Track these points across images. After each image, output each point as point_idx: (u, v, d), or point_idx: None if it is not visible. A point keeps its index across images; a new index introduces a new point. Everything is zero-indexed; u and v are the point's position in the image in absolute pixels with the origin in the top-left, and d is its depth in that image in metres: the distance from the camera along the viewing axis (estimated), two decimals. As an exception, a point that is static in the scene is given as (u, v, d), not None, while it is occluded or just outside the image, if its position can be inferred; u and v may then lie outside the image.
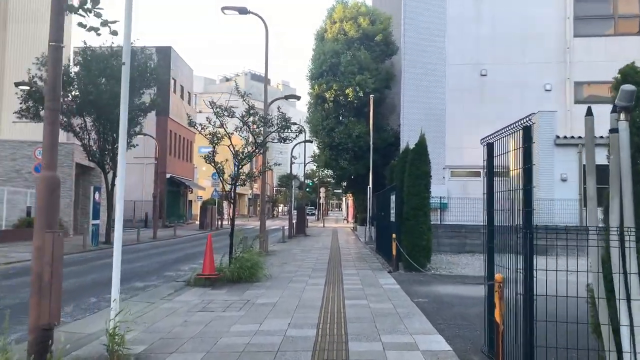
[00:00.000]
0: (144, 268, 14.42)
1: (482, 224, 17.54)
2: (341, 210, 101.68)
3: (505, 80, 26.43)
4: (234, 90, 12.04)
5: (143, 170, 41.64)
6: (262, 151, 12.57)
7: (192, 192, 57.31)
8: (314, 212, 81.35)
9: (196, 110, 55.67)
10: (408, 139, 15.90)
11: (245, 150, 12.10)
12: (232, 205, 12.74)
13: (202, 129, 11.94)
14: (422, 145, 13.24)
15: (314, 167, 60.67)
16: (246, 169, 12.86)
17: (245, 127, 12.10)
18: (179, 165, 44.56)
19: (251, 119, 12.15)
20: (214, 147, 11.86)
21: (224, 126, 11.95)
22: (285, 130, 12.35)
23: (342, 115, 29.14)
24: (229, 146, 12.09)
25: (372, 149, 26.56)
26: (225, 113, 11.59)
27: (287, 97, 17.88)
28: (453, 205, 23.97)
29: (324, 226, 47.13)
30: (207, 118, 12.20)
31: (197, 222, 42.93)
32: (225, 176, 12.19)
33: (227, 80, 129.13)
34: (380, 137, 28.30)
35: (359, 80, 27.26)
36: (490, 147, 5.62)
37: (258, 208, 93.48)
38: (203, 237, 31.01)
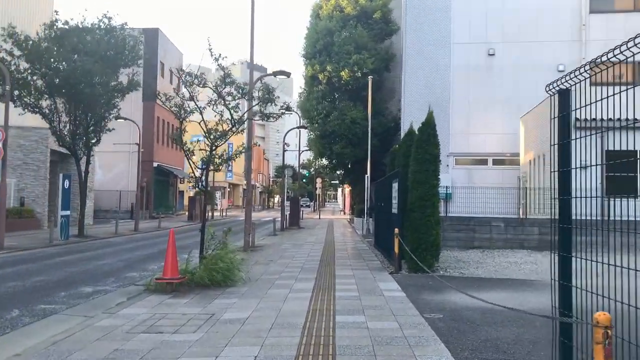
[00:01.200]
0: (105, 267, 12.45)
1: (493, 215, 15.40)
2: (338, 201, 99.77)
3: (514, 61, 24.42)
4: (208, 51, 10.01)
5: (129, 158, 39.57)
6: (240, 129, 10.54)
7: (183, 182, 55.37)
8: (308, 203, 79.00)
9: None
10: (411, 122, 13.92)
11: (220, 128, 10.11)
12: (204, 195, 10.72)
13: (166, 99, 9.95)
14: (429, 124, 11.25)
15: (310, 157, 58.70)
16: (226, 151, 10.85)
17: (219, 100, 10.10)
18: (167, 153, 42.51)
19: (227, 89, 10.14)
20: (181, 122, 9.89)
21: (195, 98, 9.98)
22: (269, 105, 10.36)
23: (337, 99, 27.10)
24: (200, 123, 10.12)
25: (371, 134, 24.56)
26: (196, 81, 9.58)
27: (275, 74, 15.85)
28: (458, 196, 22.02)
29: (319, 218, 45.21)
30: (174, 89, 10.21)
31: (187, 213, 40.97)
32: (196, 159, 10.22)
33: (223, 69, 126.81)
34: (379, 122, 26.31)
35: (355, 59, 25.21)
36: (564, 96, 3.63)
37: (255, 199, 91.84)
38: (189, 229, 29.06)
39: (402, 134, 24.00)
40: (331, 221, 38.35)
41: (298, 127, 27.89)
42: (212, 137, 10.06)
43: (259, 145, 11.05)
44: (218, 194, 65.41)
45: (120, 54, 20.52)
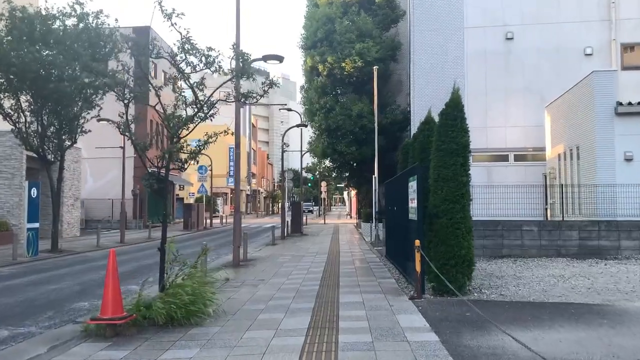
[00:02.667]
0: (53, 294, 10.07)
1: (520, 218, 12.93)
2: (345, 205, 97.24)
3: (536, 44, 21.92)
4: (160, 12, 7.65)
5: (121, 166, 37.25)
6: (208, 115, 8.17)
7: (183, 189, 53.14)
8: (311, 208, 75.85)
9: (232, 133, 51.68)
10: (429, 109, 11.51)
11: (180, 114, 7.78)
12: (164, 201, 8.38)
13: (112, 74, 7.68)
14: (456, 106, 8.84)
15: (315, 160, 56.40)
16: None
17: (180, 76, 7.76)
18: (162, 158, 40.21)
19: (189, 59, 7.80)
20: (126, 105, 7.59)
21: (150, 76, 7.68)
22: (247, 79, 8.00)
23: (340, 92, 24.70)
24: (154, 106, 7.79)
25: (377, 130, 22.13)
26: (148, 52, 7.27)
27: (266, 58, 13.48)
28: (476, 196, 19.56)
29: (324, 223, 42.79)
30: (120, 62, 7.93)
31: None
32: (153, 155, 7.90)
33: (226, 73, 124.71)
34: (386, 117, 23.90)
35: (359, 48, 22.82)
36: None
37: (258, 204, 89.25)
38: (184, 239, 26.69)
39: (413, 129, 21.59)
40: (337, 227, 35.91)
41: (299, 125, 25.50)
42: (171, 124, 7.71)
43: (227, 132, 8.43)
44: (219, 200, 63.11)
45: (94, 45, 18.16)
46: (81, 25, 18.07)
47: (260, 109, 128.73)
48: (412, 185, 9.30)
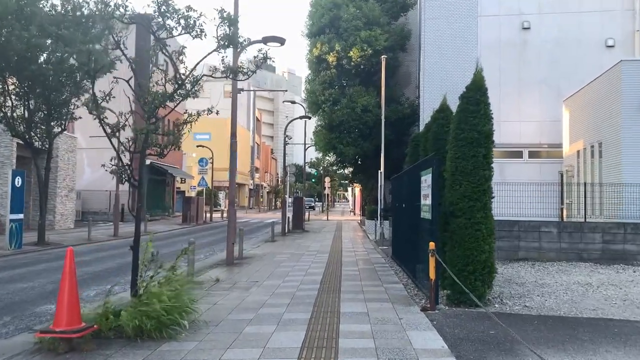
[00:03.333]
0: (19, 294, 9.04)
1: (544, 218, 11.77)
2: (348, 201, 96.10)
3: (553, 35, 20.72)
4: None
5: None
6: (191, 93, 7.12)
7: (184, 182, 52.18)
8: (312, 204, 74.07)
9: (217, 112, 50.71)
10: (444, 96, 10.42)
11: (158, 90, 6.74)
12: (137, 192, 7.32)
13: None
14: (478, 88, 7.74)
15: (319, 155, 55.35)
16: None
17: (157, 44, 6.70)
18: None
19: (166, 24, 6.74)
20: (92, 77, 6.57)
21: (121, 44, 6.63)
22: (237, 50, 6.92)
23: (346, 83, 23.57)
24: (128, 81, 6.75)
25: (384, 123, 21.00)
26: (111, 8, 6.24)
27: (266, 40, 12.35)
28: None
29: (327, 219, 41.72)
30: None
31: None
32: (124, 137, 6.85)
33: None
34: (394, 110, 22.75)
35: (366, 36, 21.67)
36: None
37: (261, 199, 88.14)
38: (180, 234, 25.74)
39: (422, 122, 20.49)
40: (340, 223, 34.84)
41: (302, 117, 24.39)
42: (146, 101, 6.65)
43: (211, 112, 7.34)
44: (221, 195, 62.06)
45: (80, 25, 17.02)
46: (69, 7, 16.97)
47: (265, 103, 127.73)
48: (426, 179, 8.19)
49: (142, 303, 5.85)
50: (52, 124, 17.46)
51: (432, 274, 7.14)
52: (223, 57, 7.11)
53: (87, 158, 35.97)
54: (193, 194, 45.30)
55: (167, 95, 6.81)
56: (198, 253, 15.77)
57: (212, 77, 7.32)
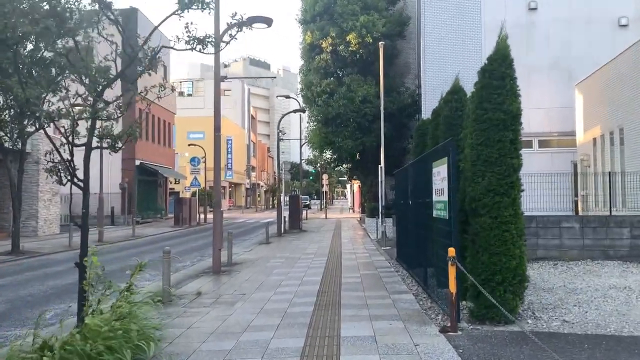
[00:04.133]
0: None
1: (563, 213, 10.40)
2: (347, 198, 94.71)
3: (562, 15, 19.34)
4: None
5: (108, 157, 34.87)
6: (147, 68, 5.81)
7: (178, 183, 50.80)
8: (307, 202, 71.64)
9: (173, 88, 49.08)
10: (456, 75, 9.09)
11: (107, 65, 5.44)
12: (84, 194, 6.02)
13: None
14: (503, 60, 6.44)
15: (315, 152, 54.00)
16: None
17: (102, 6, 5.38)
18: (153, 150, 37.82)
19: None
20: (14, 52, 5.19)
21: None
22: (195, 8, 5.60)
23: (343, 72, 22.19)
24: (67, 55, 5.45)
25: (384, 114, 19.65)
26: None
27: (250, 21, 10.96)
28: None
29: (326, 217, 40.40)
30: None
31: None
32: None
33: (225, 66, 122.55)
34: (394, 101, 21.39)
35: (363, 21, 20.33)
36: None
37: (258, 199, 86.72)
38: (170, 237, 24.41)
39: (425, 111, 19.15)
40: (339, 222, 33.52)
41: (296, 111, 23.02)
42: (88, 76, 5.33)
43: (165, 86, 6.01)
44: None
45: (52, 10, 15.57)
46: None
47: (261, 100, 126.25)
48: (440, 171, 6.86)
49: (87, 333, 4.51)
50: (24, 122, 16.05)
51: (452, 287, 5.81)
52: (188, 24, 5.76)
53: (76, 160, 34.56)
54: (188, 194, 43.92)
55: (116, 75, 5.44)
56: (185, 260, 14.46)
57: (174, 48, 5.97)
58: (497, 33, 17.08)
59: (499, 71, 6.27)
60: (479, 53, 19.21)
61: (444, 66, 19.23)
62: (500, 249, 6.07)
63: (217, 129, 11.40)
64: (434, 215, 7.16)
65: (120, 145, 6.08)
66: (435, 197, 7.09)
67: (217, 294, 8.60)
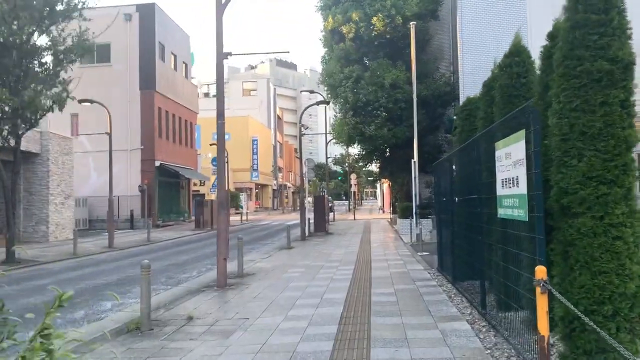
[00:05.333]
0: None
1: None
2: (376, 198, 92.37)
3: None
4: None
5: (128, 157, 33.77)
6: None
7: (203, 184, 49.56)
8: (330, 204, 68.79)
9: (197, 87, 48.04)
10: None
11: None
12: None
13: None
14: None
15: (342, 149, 52.09)
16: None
17: None
18: (174, 151, 36.47)
19: None
20: None
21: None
22: None
23: (370, 57, 20.18)
24: None
25: (416, 102, 17.58)
26: None
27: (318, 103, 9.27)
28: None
29: (354, 219, 38.38)
30: None
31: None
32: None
33: (252, 68, 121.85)
34: (428, 87, 19.26)
35: (392, 1, 18.26)
36: None
37: (286, 199, 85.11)
38: (187, 241, 22.80)
39: (463, 95, 17.02)
40: (368, 223, 31.47)
41: (320, 102, 21.10)
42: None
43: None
44: (243, 196, 59.23)
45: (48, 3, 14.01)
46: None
47: (288, 101, 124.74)
48: (510, 152, 4.83)
49: None
50: (19, 120, 14.55)
51: (542, 327, 3.80)
52: None
53: (93, 162, 33.46)
54: (213, 196, 42.55)
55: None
56: (191, 269, 12.73)
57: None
58: (546, 11, 14.23)
59: (596, 3, 4.23)
60: (524, 25, 16.97)
61: (483, 48, 17.07)
62: (610, 266, 4.03)
63: (219, 115, 9.60)
64: (499, 215, 5.15)
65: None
66: (501, 191, 5.07)
67: (213, 319, 6.76)
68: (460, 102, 16.86)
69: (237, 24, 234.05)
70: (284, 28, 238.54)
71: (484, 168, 5.83)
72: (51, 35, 14.52)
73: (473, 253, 6.89)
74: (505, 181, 4.97)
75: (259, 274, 10.76)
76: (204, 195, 46.80)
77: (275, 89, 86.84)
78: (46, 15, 14.08)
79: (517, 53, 6.48)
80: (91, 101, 19.82)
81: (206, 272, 11.96)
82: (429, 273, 10.00)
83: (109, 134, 20.17)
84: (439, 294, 7.85)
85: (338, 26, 19.28)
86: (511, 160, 4.76)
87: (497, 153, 5.16)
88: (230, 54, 9.41)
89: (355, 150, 25.73)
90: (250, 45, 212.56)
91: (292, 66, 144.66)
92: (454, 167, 8.46)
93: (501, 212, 5.11)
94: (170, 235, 25.65)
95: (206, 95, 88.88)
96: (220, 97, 9.65)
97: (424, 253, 13.36)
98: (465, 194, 7.37)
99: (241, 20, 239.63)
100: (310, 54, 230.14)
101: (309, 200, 28.13)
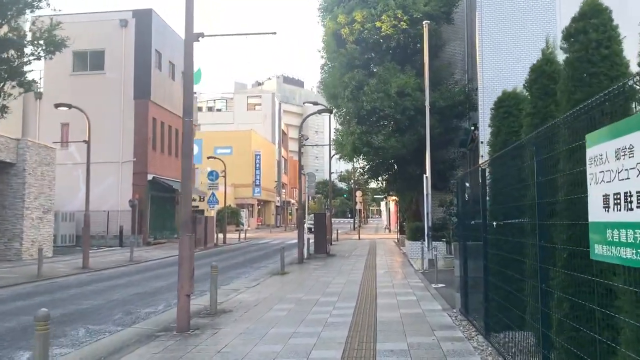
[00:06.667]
0: None
1: None
2: (381, 216, 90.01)
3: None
4: None
5: (119, 171, 31.86)
6: None
7: (202, 200, 47.61)
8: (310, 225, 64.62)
9: (196, 98, 46.05)
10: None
11: None
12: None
13: None
14: None
15: (347, 165, 50.16)
16: None
17: None
18: (169, 164, 34.53)
19: None
20: None
21: None
22: None
23: (375, 62, 18.21)
24: None
25: (429, 112, 15.55)
26: None
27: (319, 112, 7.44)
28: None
29: (359, 238, 36.20)
30: None
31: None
32: None
33: (259, 84, 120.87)
34: (442, 96, 17.23)
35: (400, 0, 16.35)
36: None
37: (289, 217, 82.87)
38: (172, 262, 20.62)
39: (483, 108, 15.00)
40: (373, 243, 29.28)
41: (321, 111, 19.12)
42: None
43: None
44: (244, 213, 57.11)
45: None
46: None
47: (294, 118, 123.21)
48: (621, 149, 2.73)
49: None
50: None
51: None
52: None
53: (83, 174, 31.44)
54: (212, 212, 40.55)
55: None
56: (159, 301, 10.59)
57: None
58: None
59: None
60: (553, 24, 14.99)
61: (505, 51, 15.12)
62: None
63: (186, 112, 7.56)
64: (596, 252, 3.04)
65: None
66: (603, 215, 2.96)
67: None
68: (480, 112, 14.83)
69: (243, 37, 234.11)
70: (291, 44, 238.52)
71: (555, 179, 3.74)
72: (13, 26, 12.69)
73: (518, 299, 4.81)
74: (609, 198, 2.88)
75: (237, 312, 8.65)
76: (203, 211, 44.81)
77: (280, 104, 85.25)
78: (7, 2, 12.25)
79: (596, 13, 4.45)
80: (69, 106, 17.91)
81: (175, 306, 9.82)
82: (450, 316, 7.84)
83: (87, 142, 18.18)
84: (470, 355, 5.69)
85: (340, 28, 17.32)
86: (620, 164, 2.68)
87: (593, 151, 3.08)
88: (202, 34, 7.44)
89: (360, 164, 23.63)
90: (257, 59, 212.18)
91: (299, 83, 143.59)
92: (488, 179, 6.37)
93: (599, 250, 3.00)
94: (157, 255, 23.55)
95: (210, 109, 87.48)
96: (188, 89, 7.65)
97: (440, 285, 11.19)
98: (509, 216, 5.27)
99: (249, 37, 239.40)
100: (317, 72, 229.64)
101: (308, 222, 26.01)
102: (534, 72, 5.72)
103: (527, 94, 5.89)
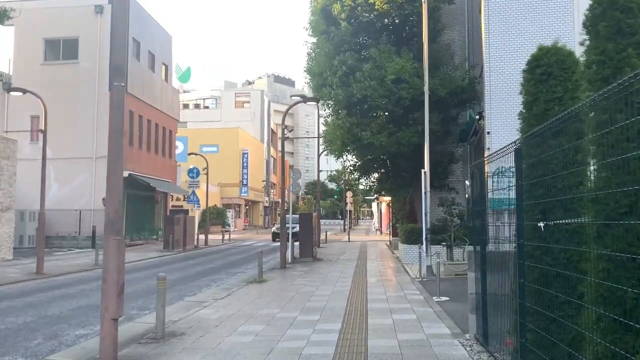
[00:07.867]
0: None
1: None
2: (372, 218, 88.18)
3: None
4: None
5: (93, 167, 29.75)
6: None
7: (186, 199, 45.61)
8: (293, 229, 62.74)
9: (178, 96, 44.18)
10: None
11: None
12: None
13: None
14: None
15: (339, 167, 48.31)
16: None
17: None
18: (148, 160, 32.49)
19: None
20: None
21: None
22: None
23: (368, 43, 16.39)
24: None
25: (428, 100, 13.76)
26: None
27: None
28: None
29: (349, 240, 34.42)
30: None
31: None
32: None
33: (250, 83, 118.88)
34: (443, 83, 15.43)
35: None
36: None
37: (278, 217, 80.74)
38: (143, 267, 18.76)
39: (489, 95, 13.27)
40: (364, 246, 27.48)
41: (306, 100, 17.25)
42: None
43: None
44: (230, 213, 55.03)
45: None
46: None
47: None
48: None
49: None
50: None
51: None
52: None
53: (54, 170, 29.35)
54: (197, 212, 38.55)
55: None
56: (98, 321, 8.66)
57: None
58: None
59: None
60: (570, 10, 13.27)
61: (512, 38, 13.36)
62: None
63: (115, 74, 5.74)
64: None
65: None
66: None
67: None
68: (486, 97, 13.06)
69: (235, 36, 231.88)
70: (281, 43, 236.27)
71: None
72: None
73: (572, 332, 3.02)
74: None
75: (190, 335, 6.79)
76: (187, 211, 42.76)
77: (269, 102, 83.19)
78: None
79: None
80: (24, 90, 15.95)
81: (121, 325, 7.93)
82: (463, 345, 6.00)
83: (44, 132, 16.24)
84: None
85: (331, 3, 15.49)
86: None
87: None
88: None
89: (350, 161, 21.81)
90: (248, 58, 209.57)
91: (290, 82, 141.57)
92: (523, 165, 4.57)
93: None
94: (129, 258, 21.40)
95: (197, 106, 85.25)
96: (117, 44, 5.80)
97: (443, 298, 9.37)
98: (554, 214, 3.47)
99: (239, 33, 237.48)
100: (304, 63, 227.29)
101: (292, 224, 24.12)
102: (598, 3, 3.93)
103: (586, 37, 4.08)
